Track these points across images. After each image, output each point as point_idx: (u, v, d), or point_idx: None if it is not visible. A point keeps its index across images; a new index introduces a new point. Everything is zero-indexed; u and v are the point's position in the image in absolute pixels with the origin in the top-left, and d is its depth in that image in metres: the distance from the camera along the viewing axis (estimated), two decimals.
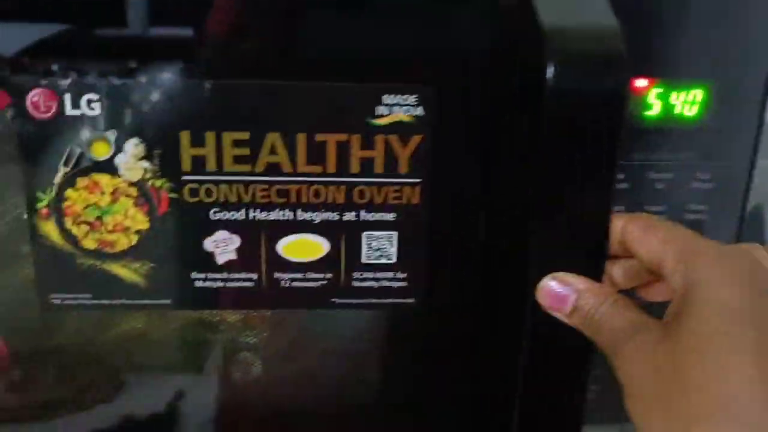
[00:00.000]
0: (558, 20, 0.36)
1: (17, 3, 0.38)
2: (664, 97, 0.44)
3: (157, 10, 0.38)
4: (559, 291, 0.36)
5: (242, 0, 0.39)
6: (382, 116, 0.40)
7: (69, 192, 0.40)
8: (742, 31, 0.43)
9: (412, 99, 0.40)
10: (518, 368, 0.42)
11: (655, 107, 0.44)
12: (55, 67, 0.38)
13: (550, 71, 0.35)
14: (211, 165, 0.40)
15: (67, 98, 0.39)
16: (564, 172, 0.37)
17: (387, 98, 0.40)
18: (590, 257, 0.39)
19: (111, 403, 0.47)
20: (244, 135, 0.40)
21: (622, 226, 0.37)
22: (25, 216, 0.41)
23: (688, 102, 0.44)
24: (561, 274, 0.37)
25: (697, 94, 0.44)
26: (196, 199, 0.41)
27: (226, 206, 0.41)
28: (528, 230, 0.39)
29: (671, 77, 0.43)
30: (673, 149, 0.45)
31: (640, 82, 0.43)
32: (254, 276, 0.42)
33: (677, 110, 0.44)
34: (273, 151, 0.40)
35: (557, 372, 0.42)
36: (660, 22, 0.42)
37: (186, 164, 0.40)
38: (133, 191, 0.40)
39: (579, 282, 0.36)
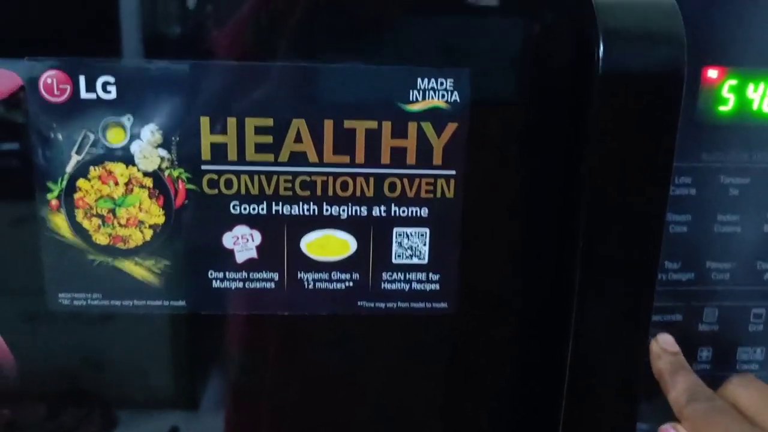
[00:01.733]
0: None
1: None
2: (739, 90, 0.39)
3: None
4: None
5: None
6: (415, 101, 0.37)
7: (81, 182, 0.38)
8: None
9: (448, 83, 0.37)
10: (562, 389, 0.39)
11: (729, 101, 0.39)
12: (69, 48, 0.36)
13: (600, 49, 0.33)
14: (232, 154, 0.38)
15: (82, 81, 0.36)
16: (615, 165, 0.34)
17: (421, 82, 0.37)
18: (643, 263, 0.35)
19: None
20: (268, 121, 0.37)
21: None
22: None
23: (766, 96, 0.40)
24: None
25: None
26: (215, 191, 0.38)
27: (247, 199, 0.38)
28: (575, 231, 0.36)
29: (748, 67, 0.39)
30: (751, 150, 0.40)
31: (712, 73, 0.39)
32: (275, 276, 0.39)
33: (755, 105, 0.39)
34: (298, 138, 0.37)
35: (601, 397, 0.39)
36: (735, 4, 0.38)
37: (205, 153, 0.37)
38: (149, 182, 0.38)
39: None
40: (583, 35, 0.33)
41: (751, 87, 0.39)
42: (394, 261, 0.40)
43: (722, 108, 0.39)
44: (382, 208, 0.39)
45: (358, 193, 0.38)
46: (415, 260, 0.40)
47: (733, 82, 0.39)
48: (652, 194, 0.34)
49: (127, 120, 0.37)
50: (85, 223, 0.38)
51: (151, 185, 0.38)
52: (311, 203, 0.38)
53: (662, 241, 0.40)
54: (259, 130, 0.37)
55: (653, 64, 0.32)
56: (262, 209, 0.38)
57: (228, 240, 0.39)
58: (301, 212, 0.39)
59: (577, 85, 0.34)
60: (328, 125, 0.37)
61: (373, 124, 0.37)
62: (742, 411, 0.37)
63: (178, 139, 0.37)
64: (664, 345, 0.41)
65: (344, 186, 0.38)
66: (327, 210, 0.39)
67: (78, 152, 0.37)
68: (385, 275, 0.40)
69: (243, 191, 0.38)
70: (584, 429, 0.38)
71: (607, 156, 0.33)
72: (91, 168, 0.37)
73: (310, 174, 0.38)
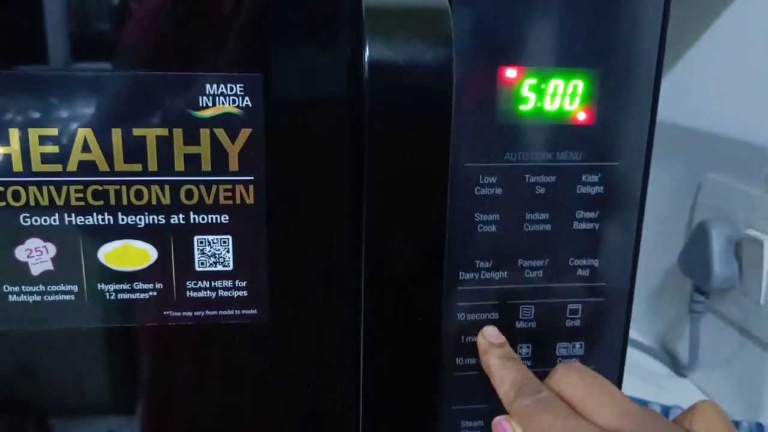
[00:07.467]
0: None
1: None
2: (538, 89, 0.39)
3: None
4: None
5: None
6: (206, 107, 0.37)
7: None
8: (624, 12, 0.39)
9: (237, 88, 0.37)
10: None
11: (529, 101, 0.39)
12: None
13: (367, 52, 0.32)
14: (17, 165, 0.36)
15: None
16: (390, 167, 0.34)
17: (210, 88, 0.36)
18: (428, 258, 0.35)
19: None
20: (52, 131, 0.36)
21: None
22: None
23: (567, 94, 0.40)
24: None
25: (578, 85, 0.39)
26: (2, 203, 0.37)
27: (37, 210, 0.37)
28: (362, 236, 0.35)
29: (546, 66, 0.39)
30: (553, 148, 0.40)
31: (510, 72, 0.39)
32: (75, 288, 0.38)
33: (556, 104, 0.39)
34: (86, 148, 0.36)
35: (399, 395, 0.38)
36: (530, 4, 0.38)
37: None
38: None
39: None
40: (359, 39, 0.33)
41: (551, 85, 0.39)
42: (197, 269, 0.39)
43: (523, 107, 0.39)
44: (181, 216, 0.38)
45: (154, 202, 0.38)
46: (219, 267, 0.39)
47: (532, 81, 0.39)
48: (430, 197, 0.34)
49: None
50: None
51: None
52: (105, 213, 0.38)
53: (472, 240, 0.40)
54: (43, 140, 0.36)
55: (420, 67, 0.32)
56: (54, 220, 0.37)
57: (21, 253, 0.38)
58: (95, 222, 0.38)
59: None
60: (117, 133, 0.36)
61: (163, 131, 0.37)
62: (567, 400, 0.37)
63: None
64: (489, 338, 0.41)
65: (139, 195, 0.37)
66: (123, 219, 0.38)
67: None
68: (189, 284, 0.39)
69: (32, 203, 0.37)
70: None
71: (381, 161, 0.33)
72: None
73: (101, 183, 0.37)
